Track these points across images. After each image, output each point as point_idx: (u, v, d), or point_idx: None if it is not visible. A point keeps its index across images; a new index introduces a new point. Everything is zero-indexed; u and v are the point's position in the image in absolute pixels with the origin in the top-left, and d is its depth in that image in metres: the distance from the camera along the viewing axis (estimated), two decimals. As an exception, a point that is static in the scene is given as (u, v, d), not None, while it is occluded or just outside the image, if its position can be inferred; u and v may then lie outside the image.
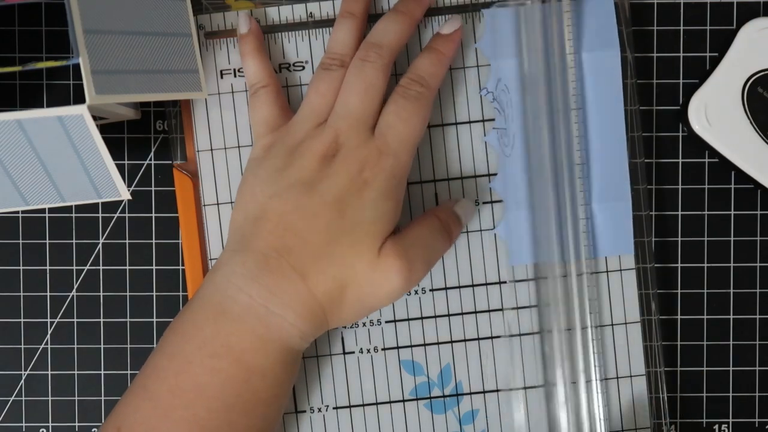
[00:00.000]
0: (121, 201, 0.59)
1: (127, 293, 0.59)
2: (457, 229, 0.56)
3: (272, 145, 0.54)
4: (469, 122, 0.57)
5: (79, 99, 0.58)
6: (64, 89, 0.59)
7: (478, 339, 0.57)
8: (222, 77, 0.57)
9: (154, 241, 0.59)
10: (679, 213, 0.59)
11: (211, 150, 0.57)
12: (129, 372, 0.59)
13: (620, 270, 0.57)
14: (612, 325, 0.57)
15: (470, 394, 0.58)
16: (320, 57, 0.57)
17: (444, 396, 0.58)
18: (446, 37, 0.55)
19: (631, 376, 0.57)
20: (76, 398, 0.59)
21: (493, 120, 0.57)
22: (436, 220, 0.55)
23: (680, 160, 0.59)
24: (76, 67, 0.58)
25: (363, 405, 0.58)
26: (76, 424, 0.59)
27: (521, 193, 0.57)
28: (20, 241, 0.59)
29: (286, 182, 0.52)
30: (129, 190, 0.58)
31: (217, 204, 0.57)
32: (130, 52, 0.51)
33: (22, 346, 0.59)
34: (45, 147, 0.50)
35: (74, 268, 0.59)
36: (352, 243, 0.51)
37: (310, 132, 0.53)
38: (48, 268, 0.59)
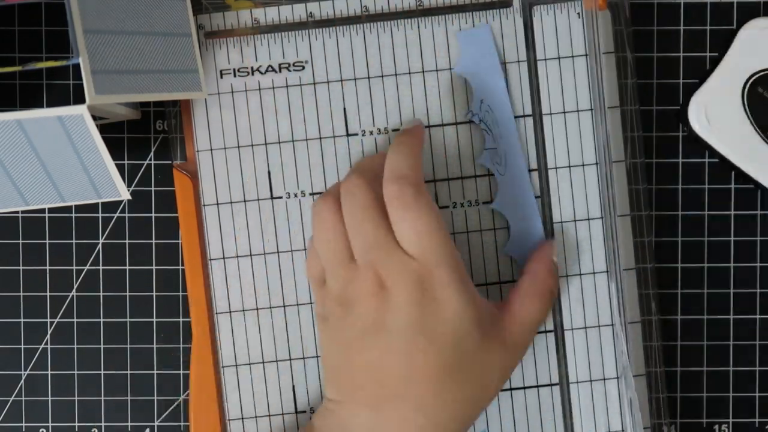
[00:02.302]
0: (121, 201, 0.59)
1: (127, 293, 0.59)
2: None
3: (323, 302, 0.53)
4: (470, 122, 0.57)
5: (79, 99, 0.58)
6: (64, 89, 0.59)
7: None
8: (222, 77, 0.57)
9: (154, 241, 0.59)
10: (679, 213, 0.59)
11: (211, 150, 0.57)
12: (129, 372, 0.59)
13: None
14: (612, 325, 0.57)
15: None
16: (320, 57, 0.57)
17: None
18: (409, 131, 0.54)
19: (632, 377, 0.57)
20: (76, 398, 0.59)
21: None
22: (550, 294, 0.54)
23: (680, 160, 0.59)
24: (76, 67, 0.58)
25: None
26: (76, 424, 0.59)
27: (521, 209, 0.57)
28: (20, 241, 0.59)
29: (354, 333, 0.50)
30: (129, 190, 0.58)
31: (217, 204, 0.57)
32: (130, 52, 0.51)
33: (22, 346, 0.59)
34: (45, 147, 0.50)
35: (74, 268, 0.59)
36: (461, 365, 0.50)
37: (345, 276, 0.51)
38: (48, 268, 0.59)
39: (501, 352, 0.51)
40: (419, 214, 0.50)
